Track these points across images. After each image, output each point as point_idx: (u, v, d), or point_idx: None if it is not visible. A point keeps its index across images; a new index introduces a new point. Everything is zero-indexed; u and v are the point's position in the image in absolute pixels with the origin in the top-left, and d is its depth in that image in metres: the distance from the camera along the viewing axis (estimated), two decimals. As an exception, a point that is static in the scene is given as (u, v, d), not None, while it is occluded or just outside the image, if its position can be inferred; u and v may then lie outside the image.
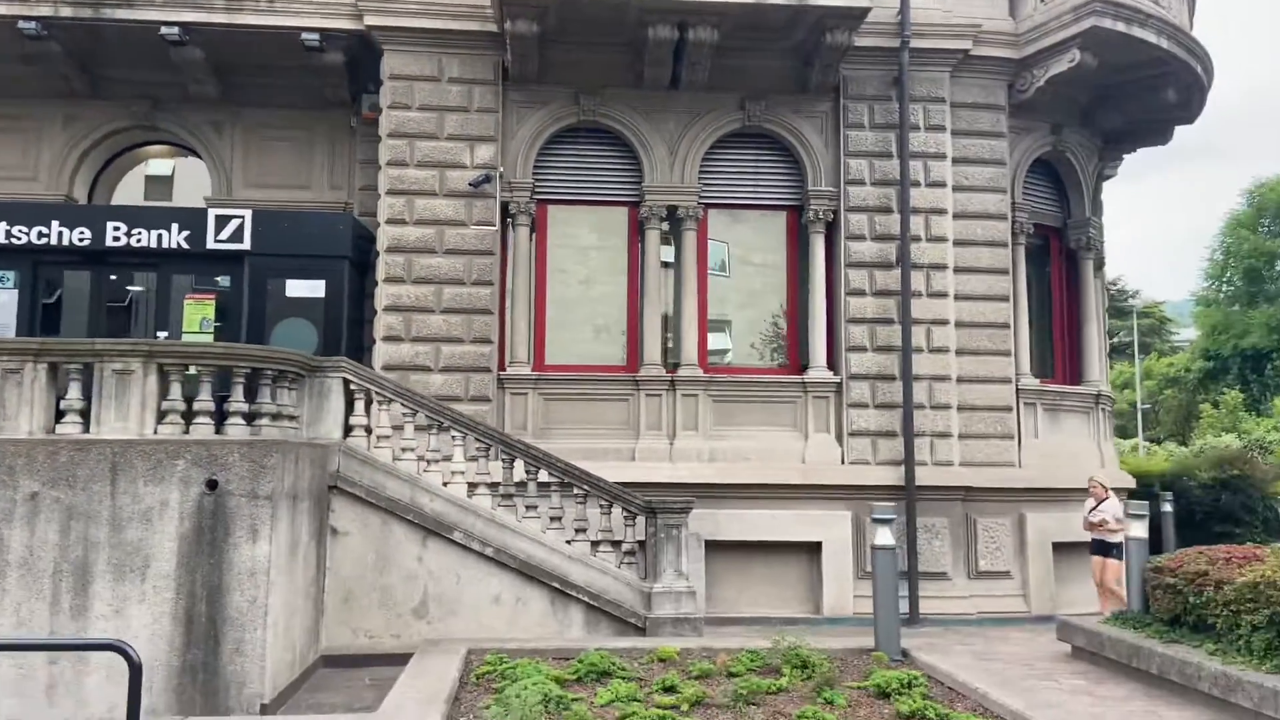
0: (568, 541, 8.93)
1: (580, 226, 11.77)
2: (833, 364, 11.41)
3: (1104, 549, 9.98)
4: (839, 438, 11.21)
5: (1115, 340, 66.87)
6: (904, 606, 10.66)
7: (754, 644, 7.73)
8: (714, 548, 10.72)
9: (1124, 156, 14.59)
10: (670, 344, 11.50)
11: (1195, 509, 16.75)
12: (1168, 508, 16.85)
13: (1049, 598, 11.16)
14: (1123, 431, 46.31)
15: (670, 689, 6.37)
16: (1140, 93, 12.14)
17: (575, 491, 9.09)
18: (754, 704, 6.05)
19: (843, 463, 11.13)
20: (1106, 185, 14.09)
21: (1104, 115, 12.57)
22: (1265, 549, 7.94)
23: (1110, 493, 10.17)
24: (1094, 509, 10.05)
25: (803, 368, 11.51)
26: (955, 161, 11.61)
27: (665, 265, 11.70)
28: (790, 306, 11.84)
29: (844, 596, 10.80)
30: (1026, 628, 10.57)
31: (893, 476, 10.98)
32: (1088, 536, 10.46)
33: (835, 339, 11.44)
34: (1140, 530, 8.98)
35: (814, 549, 10.89)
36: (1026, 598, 11.18)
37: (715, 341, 11.86)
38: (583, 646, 7.86)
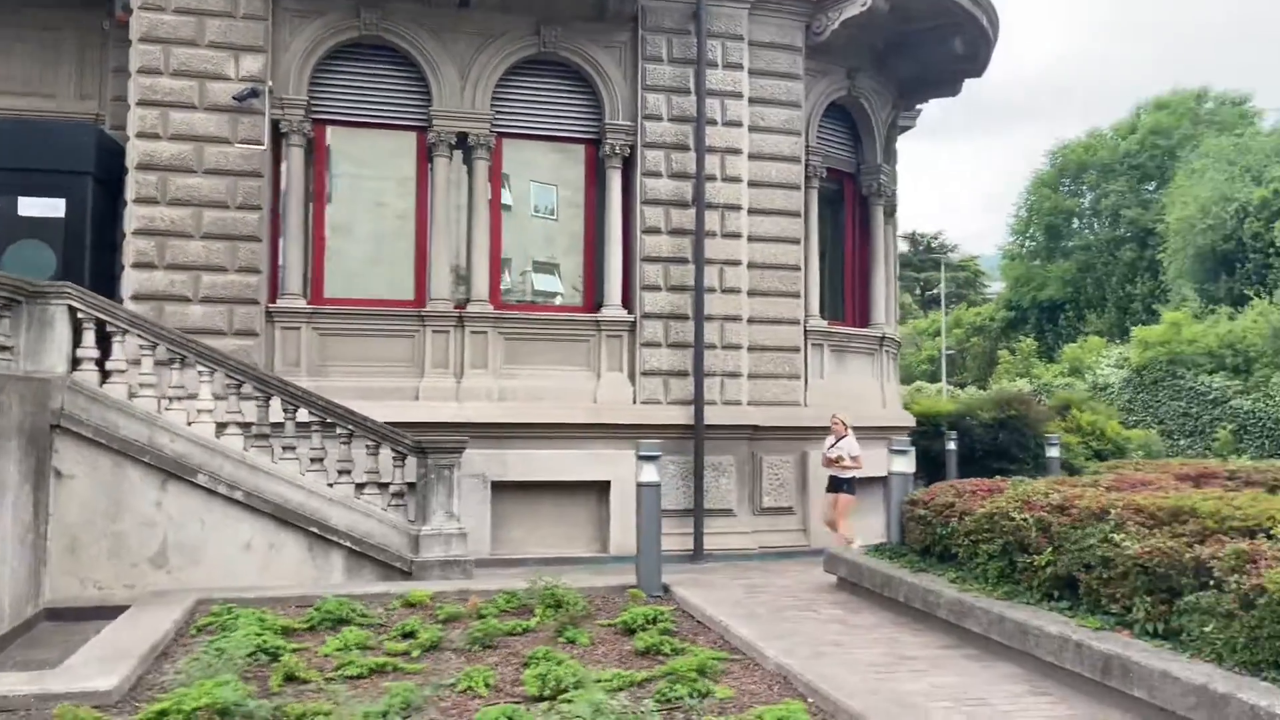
0: (330, 484, 8.44)
1: (364, 151, 11.05)
2: (628, 303, 11.26)
3: (838, 485, 10.34)
4: (632, 377, 11.12)
5: (935, 291, 70.84)
6: (689, 544, 10.88)
7: (517, 585, 7.53)
8: (503, 489, 10.48)
9: (919, 106, 15.04)
10: (461, 279, 11.04)
11: (976, 447, 17.85)
12: (951, 445, 17.89)
13: (826, 531, 11.53)
14: (934, 376, 49.24)
15: (410, 634, 6.09)
16: (930, 42, 12.44)
17: (339, 431, 8.58)
18: (491, 647, 5.85)
19: (634, 402, 11.06)
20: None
21: (897, 62, 12.83)
22: (1008, 482, 8.37)
23: (850, 430, 10.44)
24: (832, 445, 10.36)
25: (598, 306, 11.32)
26: (752, 101, 11.57)
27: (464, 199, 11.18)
28: (587, 243, 11.58)
29: (631, 535, 10.76)
30: (804, 561, 10.89)
31: (683, 416, 11.00)
32: (868, 471, 10.86)
33: (631, 277, 11.29)
34: (903, 466, 9.33)
35: (604, 488, 10.81)
36: (807, 532, 11.53)
37: (509, 277, 11.47)
38: (337, 593, 7.46)
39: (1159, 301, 39.59)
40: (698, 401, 10.92)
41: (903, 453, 9.34)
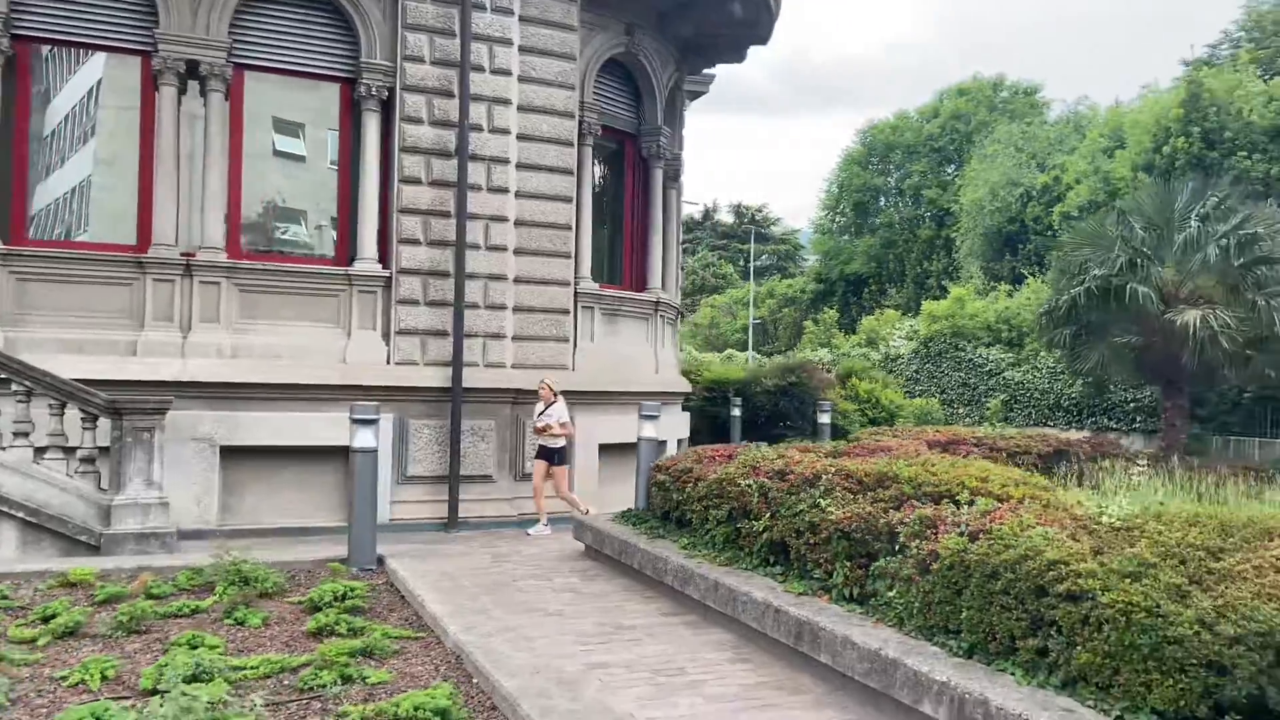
0: (1, 447, 7.42)
1: (80, 75, 9.79)
2: (385, 257, 10.57)
3: (549, 454, 10.10)
4: (386, 336, 10.47)
5: (758, 263, 72.89)
6: (445, 511, 10.41)
7: (208, 561, 6.84)
8: (236, 454, 9.64)
9: (707, 71, 14.94)
10: (193, 225, 10.01)
11: (760, 413, 18.27)
12: (736, 411, 18.24)
13: (591, 497, 11.34)
14: (744, 344, 50.58)
15: (49, 619, 5.34)
16: (709, 3, 12.26)
17: (14, 388, 7.54)
18: (139, 632, 5.21)
19: (389, 363, 10.42)
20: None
21: (677, 22, 12.60)
22: (742, 446, 8.34)
23: (559, 396, 10.17)
24: (542, 413, 10.11)
25: (351, 259, 10.56)
26: (523, 50, 11.04)
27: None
28: (342, 192, 10.78)
29: (382, 504, 10.20)
30: (565, 527, 10.66)
31: (441, 378, 10.46)
32: (633, 436, 10.71)
33: (389, 230, 10.59)
34: (651, 431, 9.19)
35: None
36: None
37: (250, 224, 10.52)
38: (7, 571, 6.55)
39: (951, 278, 42.08)
40: (456, 363, 10.41)
41: (651, 418, 9.19)
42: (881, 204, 52.87)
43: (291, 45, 10.35)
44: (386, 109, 10.59)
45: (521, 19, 10.98)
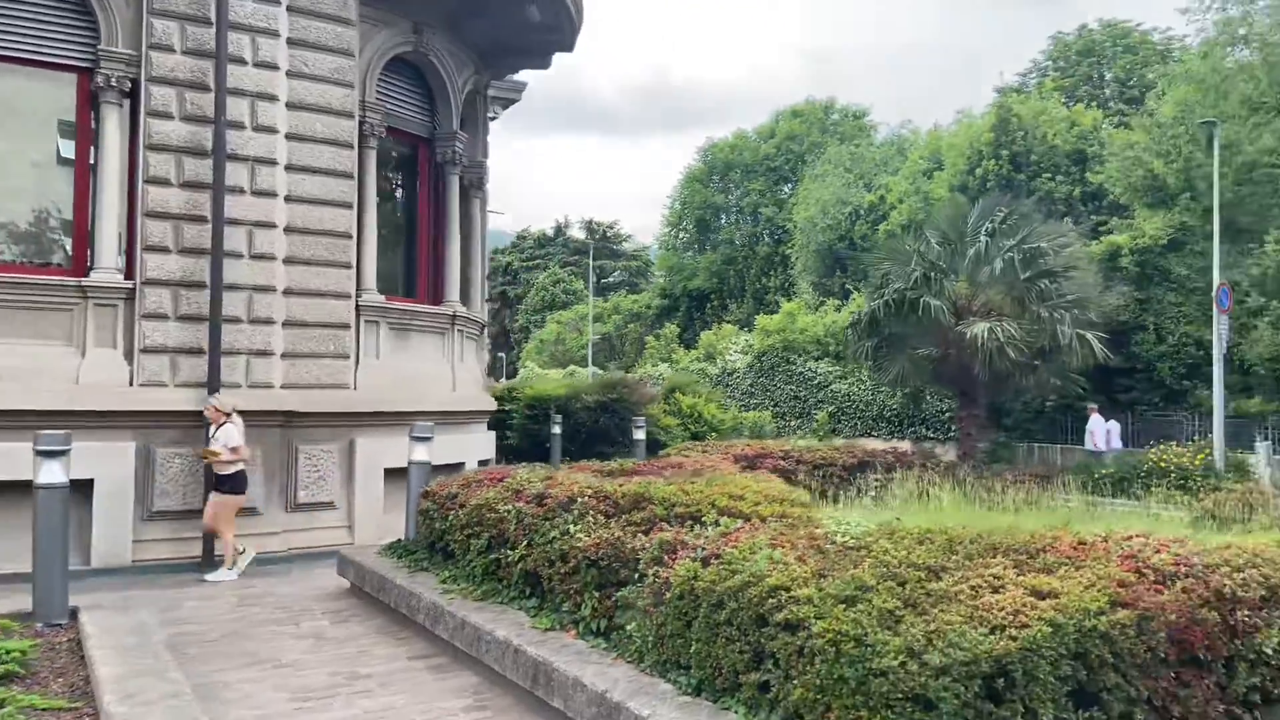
0: None
1: None
2: (130, 267, 9.46)
3: (220, 482, 8.86)
4: (129, 355, 9.34)
5: (610, 279, 72.97)
6: (198, 550, 9.36)
7: None
8: (-63, 491, 8.33)
9: (512, 77, 14.43)
10: (-113, 227, 8.65)
11: (580, 430, 17.79)
12: (556, 429, 17.69)
13: (375, 527, 10.51)
14: (586, 360, 50.24)
15: None
16: (505, 6, 11.75)
17: None
18: None
19: (132, 384, 9.30)
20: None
21: (472, 24, 12.03)
22: (513, 468, 7.78)
23: (230, 416, 8.95)
24: (212, 436, 8.93)
25: (89, 269, 9.41)
26: (292, 43, 10.18)
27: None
28: (79, 194, 9.60)
29: (122, 543, 9.07)
30: (329, 562, 9.78)
31: (195, 400, 9.41)
32: (458, 457, 10.00)
33: (134, 237, 9.49)
34: (422, 454, 8.51)
35: (86, 488, 8.95)
36: (352, 529, 10.42)
37: (-37, 229, 9.22)
38: None
39: (787, 294, 43.10)
40: (212, 383, 9.39)
41: (423, 439, 8.51)
42: (723, 221, 53.82)
43: (19, 30, 9.16)
44: (132, 102, 9.52)
45: (291, 10, 10.13)
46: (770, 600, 4.06)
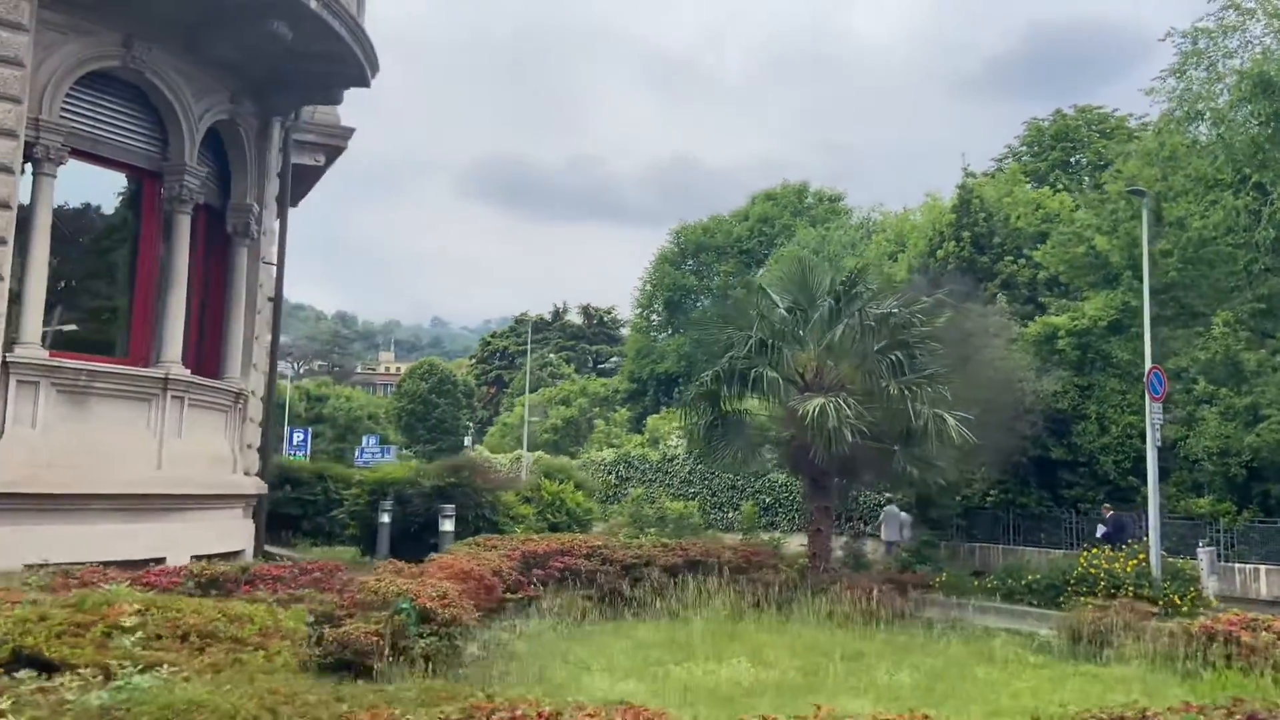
0: None
1: None
2: None
3: None
4: None
5: (607, 364, 71.45)
6: None
7: None
8: None
9: (326, 120, 12.98)
10: None
11: (412, 519, 15.72)
12: (385, 518, 15.62)
13: None
14: (555, 445, 48.10)
15: None
16: (243, 20, 10.17)
17: None
18: None
19: None
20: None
21: (212, 42, 10.42)
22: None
23: None
24: None
25: None
26: (-69, 44, 8.57)
27: None
28: None
29: None
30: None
31: None
32: (117, 552, 8.04)
33: None
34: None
35: None
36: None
37: None
38: None
39: (749, 378, 41.04)
40: None
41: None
42: (695, 303, 52.25)
43: None
44: None
45: (-67, 6, 8.54)
46: None
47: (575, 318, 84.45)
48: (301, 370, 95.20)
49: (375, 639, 6.56)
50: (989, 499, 22.07)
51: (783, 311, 12.15)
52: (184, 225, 10.55)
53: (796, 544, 23.98)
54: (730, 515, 28.40)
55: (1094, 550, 17.58)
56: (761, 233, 49.01)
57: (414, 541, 15.02)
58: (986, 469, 21.48)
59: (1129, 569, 16.17)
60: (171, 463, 10.10)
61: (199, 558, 9.88)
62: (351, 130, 14.39)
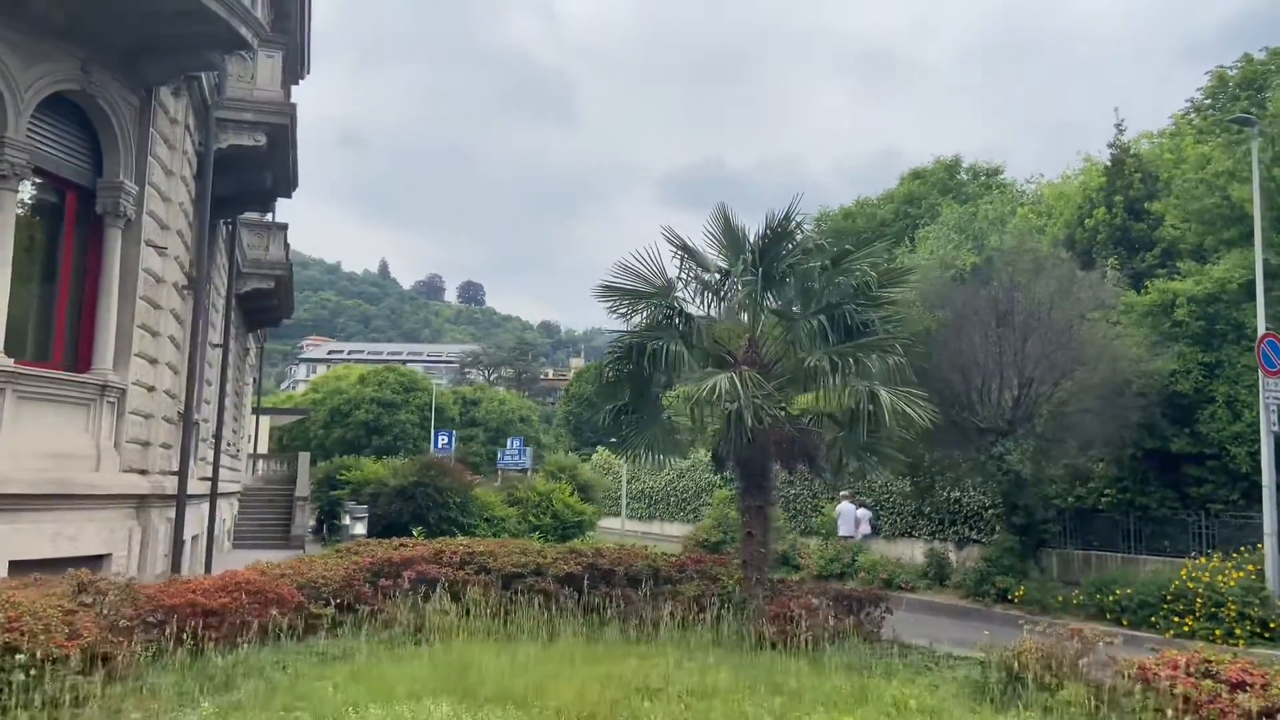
0: None
1: None
2: None
3: None
4: None
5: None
6: None
7: None
8: None
9: (218, 91, 12.37)
10: None
11: (380, 519, 14.89)
12: (347, 520, 14.89)
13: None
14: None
15: None
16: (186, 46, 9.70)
17: None
18: None
19: None
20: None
21: (148, 61, 10.11)
22: None
23: None
24: None
25: None
26: None
27: None
28: None
29: None
30: None
31: None
32: (67, 549, 7.65)
33: None
34: None
35: None
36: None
37: None
38: None
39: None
40: None
41: None
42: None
43: None
44: None
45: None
46: None
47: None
48: (491, 377, 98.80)
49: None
50: (1104, 499, 18.52)
51: (714, 274, 10.11)
52: (7, 201, 9.82)
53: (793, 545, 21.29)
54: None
55: (1201, 559, 14.19)
56: (906, 214, 45.34)
57: (391, 534, 14.15)
58: (1105, 465, 18.06)
59: (1233, 581, 12.81)
60: (104, 464, 9.68)
61: (20, 564, 9.19)
62: (294, 106, 13.65)
